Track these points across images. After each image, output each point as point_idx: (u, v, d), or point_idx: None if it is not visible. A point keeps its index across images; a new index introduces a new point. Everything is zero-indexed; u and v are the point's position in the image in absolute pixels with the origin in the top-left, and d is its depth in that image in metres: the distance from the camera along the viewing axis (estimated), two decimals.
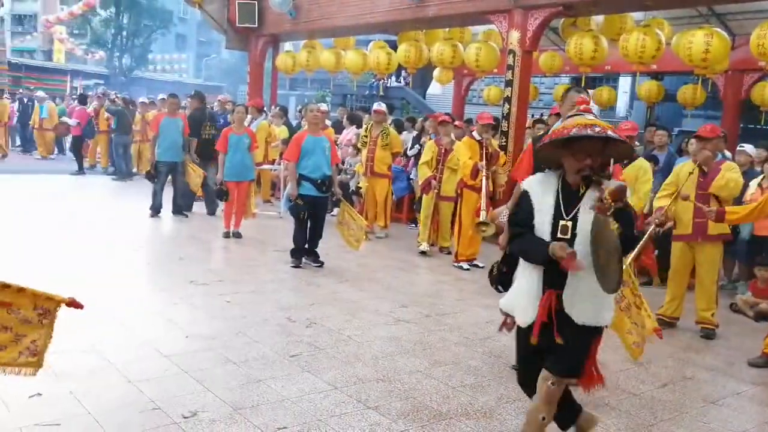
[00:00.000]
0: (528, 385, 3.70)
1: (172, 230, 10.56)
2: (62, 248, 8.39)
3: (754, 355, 5.99)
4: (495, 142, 9.30)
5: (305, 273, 8.01)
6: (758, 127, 17.85)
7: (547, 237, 3.40)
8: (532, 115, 13.94)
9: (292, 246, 8.37)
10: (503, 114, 10.80)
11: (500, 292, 4.41)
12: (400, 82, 29.03)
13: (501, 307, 3.71)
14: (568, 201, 3.43)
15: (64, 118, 18.39)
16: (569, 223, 3.39)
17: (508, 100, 10.73)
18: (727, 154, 8.65)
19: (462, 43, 13.38)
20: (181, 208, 11.45)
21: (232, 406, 4.28)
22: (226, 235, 9.76)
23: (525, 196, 3.53)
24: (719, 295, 7.00)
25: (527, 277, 3.52)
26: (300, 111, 18.02)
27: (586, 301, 3.41)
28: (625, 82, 27.53)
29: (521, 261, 3.59)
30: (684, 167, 6.74)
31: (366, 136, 10.56)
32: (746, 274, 8.59)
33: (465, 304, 7.09)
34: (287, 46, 17.57)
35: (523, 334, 3.58)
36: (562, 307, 3.42)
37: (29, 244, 8.42)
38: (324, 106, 14.46)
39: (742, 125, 15.11)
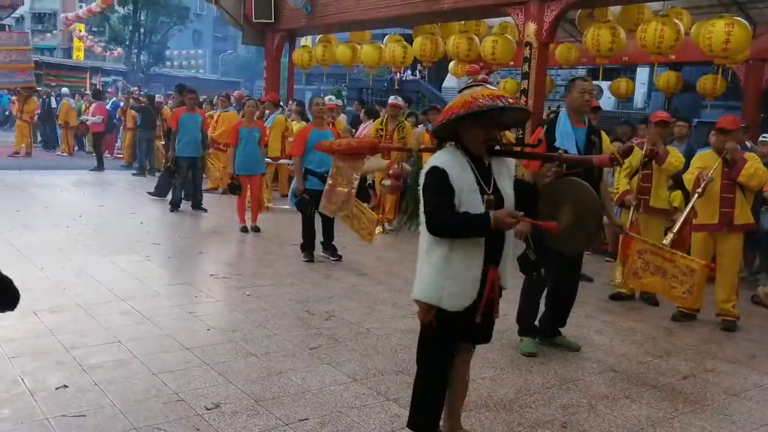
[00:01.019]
0: (446, 365, 3.63)
1: (192, 225, 10.62)
2: (82, 243, 8.47)
3: None
4: (510, 135, 9.31)
5: (323, 266, 8.04)
6: None
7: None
8: (549, 107, 13.89)
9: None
10: None
11: (536, 277, 4.44)
12: (415, 75, 29.02)
13: (422, 299, 3.42)
14: (482, 174, 3.42)
15: (83, 117, 18.56)
16: (492, 197, 3.40)
17: (524, 92, 10.69)
18: (748, 144, 8.58)
19: (478, 36, 13.34)
20: (200, 202, 11.52)
21: (253, 398, 4.31)
22: (244, 230, 9.81)
23: (444, 175, 3.31)
24: (740, 287, 6.95)
25: (464, 259, 3.35)
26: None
27: (508, 270, 3.58)
28: (642, 73, 27.32)
29: (445, 245, 3.35)
30: (707, 155, 6.71)
31: (381, 130, 10.51)
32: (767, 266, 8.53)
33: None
34: (303, 40, 17.61)
35: (449, 318, 3.42)
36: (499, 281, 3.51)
37: (50, 239, 8.52)
38: (335, 100, 14.43)
39: (763, 115, 14.96)
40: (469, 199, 3.33)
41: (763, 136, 8.72)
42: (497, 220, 3.20)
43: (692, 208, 6.58)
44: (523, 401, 4.56)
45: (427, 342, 3.59)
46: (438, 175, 3.32)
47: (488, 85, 3.41)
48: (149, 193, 12.67)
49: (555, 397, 4.66)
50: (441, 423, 3.77)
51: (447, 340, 3.55)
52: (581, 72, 18.62)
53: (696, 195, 6.41)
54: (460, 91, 3.45)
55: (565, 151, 5.25)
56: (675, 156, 7.05)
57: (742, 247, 6.77)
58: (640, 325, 6.50)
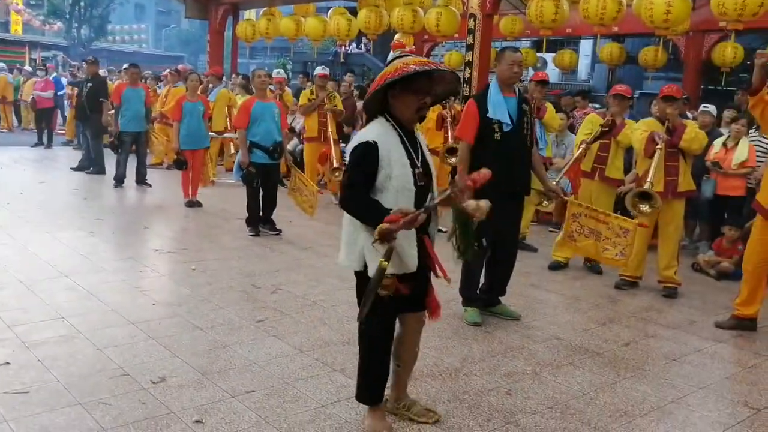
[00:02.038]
0: (390, 335, 3.64)
1: (136, 200, 10.44)
2: (23, 219, 8.26)
3: (716, 314, 6.11)
4: (458, 106, 9.35)
5: (269, 240, 7.98)
6: (719, 88, 18.10)
7: (411, 187, 3.37)
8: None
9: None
10: (464, 79, 10.78)
11: (477, 248, 4.46)
12: (360, 48, 28.87)
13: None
14: (412, 146, 3.45)
15: (35, 92, 17.94)
16: (422, 170, 3.43)
17: (469, 64, 10.72)
18: (689, 115, 8.75)
19: (422, 8, 13.28)
20: (144, 177, 11.33)
21: (200, 371, 4.27)
22: (189, 204, 9.68)
23: (374, 149, 3.31)
24: (681, 255, 7.12)
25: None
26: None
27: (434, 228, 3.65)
28: (586, 45, 27.64)
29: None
30: (650, 123, 6.80)
31: (311, 101, 10.37)
32: (708, 234, 8.74)
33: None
34: (247, 14, 17.34)
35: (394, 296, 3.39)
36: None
37: None
38: (282, 74, 14.29)
39: (703, 86, 15.29)
40: (400, 172, 3.34)
41: (704, 106, 8.90)
42: (382, 230, 3.12)
43: (580, 156, 7.05)
44: (468, 369, 4.61)
45: (374, 315, 3.51)
46: (367, 150, 3.32)
47: (413, 56, 3.43)
48: (72, 168, 12.62)
49: (500, 365, 4.72)
50: (386, 392, 3.78)
51: (389, 309, 3.51)
52: (525, 44, 18.71)
53: (657, 151, 6.46)
54: (389, 62, 3.45)
55: (499, 122, 5.28)
56: (631, 129, 7.14)
57: (683, 215, 6.91)
58: (584, 294, 6.61)
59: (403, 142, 3.40)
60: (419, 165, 3.44)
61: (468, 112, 5.50)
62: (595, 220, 5.38)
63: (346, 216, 3.47)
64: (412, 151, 3.43)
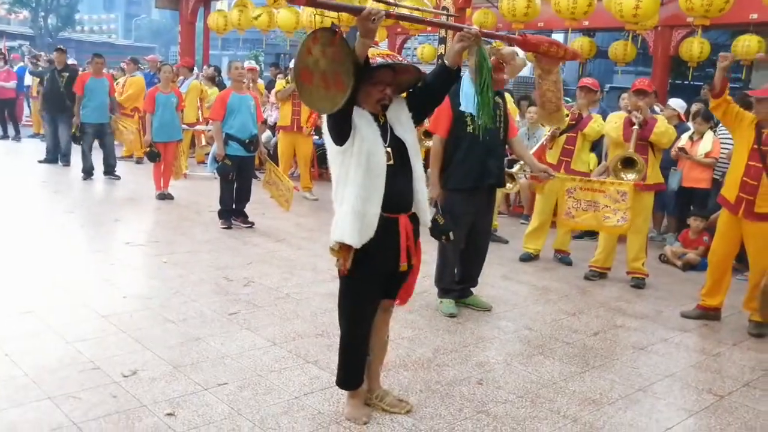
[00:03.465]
0: (369, 320, 3.72)
1: (106, 192, 10.35)
2: None
3: (682, 304, 6.22)
4: None
5: (241, 233, 7.97)
6: (686, 83, 18.34)
7: (383, 161, 3.40)
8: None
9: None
10: None
11: (446, 241, 4.51)
12: None
13: (337, 239, 3.43)
14: (382, 128, 3.47)
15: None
16: (390, 149, 3.47)
17: (441, 57, 10.74)
18: (657, 109, 8.87)
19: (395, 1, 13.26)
20: (113, 169, 11.22)
21: (171, 364, 4.26)
22: (160, 197, 9.61)
23: (349, 105, 3.33)
24: (649, 247, 7.23)
25: (365, 197, 3.38)
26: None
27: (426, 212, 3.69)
28: (558, 39, 27.79)
29: (351, 188, 3.40)
30: (621, 116, 6.88)
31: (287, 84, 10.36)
32: (675, 226, 8.88)
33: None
34: (218, 4, 17.18)
35: (369, 268, 3.50)
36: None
37: None
38: (253, 64, 14.22)
39: (670, 81, 15.45)
40: (371, 138, 3.39)
41: (671, 100, 9.03)
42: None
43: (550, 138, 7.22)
44: (440, 360, 4.65)
45: (347, 298, 3.63)
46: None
47: (379, 47, 3.47)
48: (39, 161, 12.45)
49: (471, 355, 4.77)
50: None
51: (368, 294, 3.60)
52: None
53: (634, 131, 6.53)
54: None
55: (471, 115, 5.30)
56: (598, 122, 7.24)
57: (652, 207, 7.01)
58: (555, 285, 6.69)
59: (375, 121, 3.45)
60: (386, 145, 3.46)
61: (440, 106, 5.51)
62: (591, 191, 5.46)
63: (336, 198, 3.50)
64: (381, 131, 3.46)
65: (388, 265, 3.53)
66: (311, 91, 3.23)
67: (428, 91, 3.66)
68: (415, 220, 3.64)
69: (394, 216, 3.48)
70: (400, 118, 3.57)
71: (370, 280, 3.55)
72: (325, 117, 3.41)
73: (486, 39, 3.71)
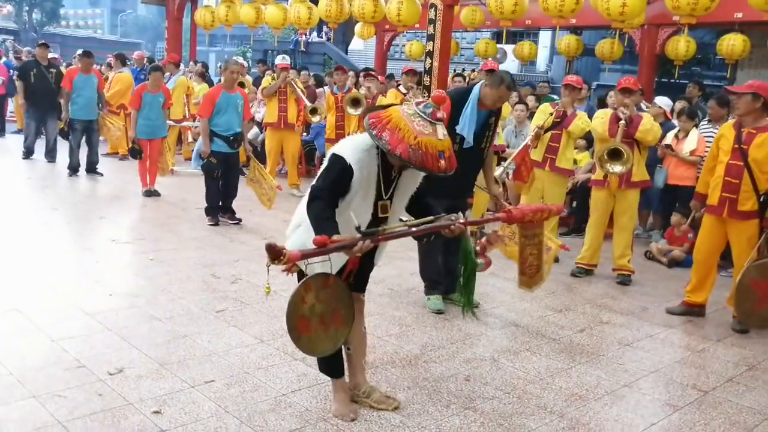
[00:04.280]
0: None
1: (92, 189, 10.29)
2: None
3: (667, 300, 6.27)
4: (419, 95, 9.40)
5: (228, 230, 7.95)
6: (672, 81, 18.42)
7: (367, 216, 3.37)
8: (454, 70, 14.02)
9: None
10: (425, 69, 10.83)
11: (425, 242, 4.51)
12: (321, 37, 28.75)
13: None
14: (386, 180, 3.44)
15: None
16: (388, 202, 3.47)
17: (430, 54, 10.76)
18: (643, 106, 8.91)
19: None
20: (95, 166, 11.15)
21: (158, 362, 4.25)
22: (147, 194, 9.57)
23: (348, 171, 3.28)
24: (634, 243, 7.27)
25: (345, 230, 3.26)
26: (221, 68, 17.68)
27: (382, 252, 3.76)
28: (545, 37, 27.87)
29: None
30: (607, 113, 6.91)
31: (273, 79, 10.36)
32: (660, 223, 8.94)
33: (388, 257, 7.14)
34: (206, 0, 17.14)
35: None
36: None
37: None
38: (241, 60, 14.19)
39: (656, 79, 15.52)
40: (364, 202, 3.37)
41: (657, 98, 9.08)
42: (316, 242, 3.06)
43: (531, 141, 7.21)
44: (428, 357, 4.66)
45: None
46: (344, 168, 3.27)
47: (440, 128, 3.22)
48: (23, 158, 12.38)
49: (459, 352, 4.78)
50: (346, 379, 3.83)
51: None
52: (485, 35, 18.80)
53: (620, 126, 6.55)
54: (415, 115, 3.22)
55: (462, 138, 5.30)
56: (582, 120, 7.25)
57: (638, 204, 7.06)
58: None
59: (378, 174, 3.39)
60: (386, 198, 3.46)
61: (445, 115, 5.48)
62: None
63: (299, 206, 3.51)
64: (384, 184, 3.43)
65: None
66: (310, 338, 3.19)
67: (420, 207, 3.62)
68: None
69: None
70: (408, 187, 3.53)
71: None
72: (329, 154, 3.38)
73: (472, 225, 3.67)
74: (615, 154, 6.48)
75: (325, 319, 3.21)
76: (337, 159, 3.31)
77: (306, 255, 3.02)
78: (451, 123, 5.26)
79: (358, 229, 3.17)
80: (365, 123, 3.26)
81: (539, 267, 4.21)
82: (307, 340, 3.19)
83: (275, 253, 2.92)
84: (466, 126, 5.32)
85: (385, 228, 3.31)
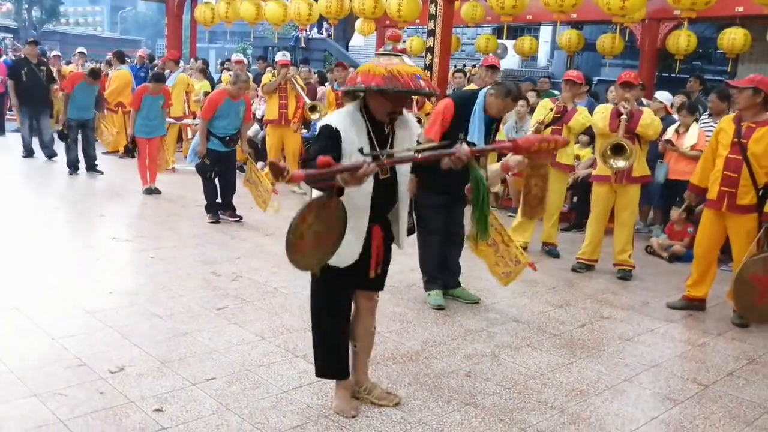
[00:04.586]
0: (341, 313, 3.72)
1: (92, 188, 10.30)
2: None
3: (668, 295, 6.27)
4: (430, 105, 9.42)
5: (228, 228, 7.95)
6: (673, 75, 18.39)
7: (370, 182, 3.37)
8: (455, 66, 14.01)
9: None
10: (426, 64, 10.81)
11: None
12: (322, 33, 28.69)
13: None
14: (379, 140, 3.46)
15: None
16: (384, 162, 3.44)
17: (430, 50, 10.74)
18: (644, 101, 8.90)
19: None
20: (94, 162, 11.14)
21: (159, 360, 4.26)
22: (147, 192, 9.58)
23: (335, 134, 3.35)
24: (635, 238, 7.27)
25: (353, 204, 3.34)
26: (222, 64, 17.66)
27: (402, 232, 3.71)
28: (546, 32, 27.83)
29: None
30: (608, 108, 6.91)
31: (273, 76, 10.34)
32: (661, 218, 8.93)
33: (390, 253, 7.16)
34: None
35: (337, 273, 3.49)
36: (389, 237, 3.67)
37: None
38: (241, 56, 14.20)
39: (657, 73, 15.49)
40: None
41: (658, 93, 9.07)
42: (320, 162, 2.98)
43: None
44: (428, 353, 4.67)
45: (318, 293, 3.67)
46: (330, 132, 3.35)
47: (406, 58, 3.38)
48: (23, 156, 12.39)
49: (460, 348, 4.79)
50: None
51: (338, 290, 3.63)
52: (486, 30, 18.74)
53: (622, 120, 6.54)
54: (378, 56, 3.42)
55: (473, 145, 5.29)
56: (582, 115, 7.24)
57: (638, 200, 7.05)
58: (542, 277, 6.71)
59: (369, 134, 3.41)
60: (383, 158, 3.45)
61: (444, 116, 5.46)
62: (501, 236, 5.47)
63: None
64: (377, 142, 3.44)
65: (357, 270, 3.53)
66: (303, 255, 3.17)
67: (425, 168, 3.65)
68: (386, 226, 3.66)
69: (369, 226, 3.50)
70: (404, 143, 3.54)
71: (340, 280, 3.55)
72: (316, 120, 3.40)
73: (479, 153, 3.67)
74: (618, 149, 6.47)
75: (320, 236, 3.17)
76: (323, 127, 3.41)
77: (310, 175, 3.00)
78: (454, 126, 5.26)
79: (360, 150, 3.18)
80: (348, 85, 3.40)
81: (542, 199, 4.30)
82: (300, 257, 3.16)
83: (278, 170, 2.90)
84: (476, 133, 5.34)
85: (391, 152, 3.30)
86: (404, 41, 17.34)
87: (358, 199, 3.37)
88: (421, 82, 3.29)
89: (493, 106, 5.33)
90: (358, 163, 2.99)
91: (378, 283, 3.75)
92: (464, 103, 5.42)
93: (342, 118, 3.41)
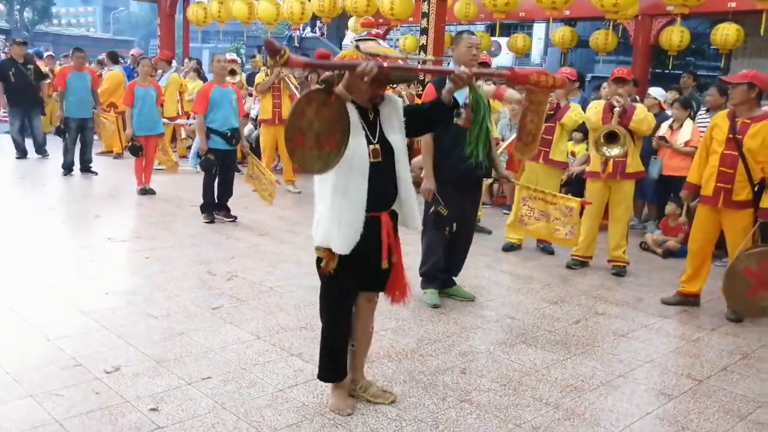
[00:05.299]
0: (348, 314, 3.74)
1: (87, 188, 10.29)
2: None
3: (662, 291, 6.29)
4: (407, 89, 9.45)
5: (224, 227, 7.95)
6: (666, 71, 18.44)
7: (366, 160, 3.40)
8: (448, 63, 14.01)
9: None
10: (419, 62, 10.82)
11: (449, 233, 4.49)
12: (315, 32, 28.70)
13: (319, 244, 3.48)
14: (370, 125, 3.48)
15: None
16: (378, 146, 3.48)
17: (423, 48, 10.75)
18: (637, 98, 8.92)
19: None
20: (89, 164, 11.14)
21: (155, 360, 4.26)
22: (142, 192, 9.57)
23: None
24: (630, 234, 7.29)
25: (347, 202, 3.38)
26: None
27: (414, 213, 3.69)
28: (539, 29, 27.86)
29: (330, 188, 3.40)
30: (600, 104, 6.92)
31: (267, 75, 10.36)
32: (655, 214, 8.96)
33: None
34: None
35: (349, 265, 3.50)
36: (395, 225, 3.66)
37: None
38: (235, 56, 14.19)
39: (651, 70, 15.53)
40: (359, 145, 3.37)
41: (651, 89, 9.10)
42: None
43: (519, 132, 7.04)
44: (424, 350, 4.68)
45: (329, 293, 3.65)
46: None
47: (381, 41, 3.41)
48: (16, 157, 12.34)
49: (455, 345, 4.80)
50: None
51: (347, 289, 3.64)
52: (479, 28, 18.80)
53: (615, 113, 6.57)
54: (355, 44, 3.43)
55: (457, 107, 5.29)
56: (575, 112, 7.26)
57: (633, 195, 7.07)
58: (537, 274, 6.73)
59: (360, 120, 3.42)
60: (375, 142, 3.47)
61: (427, 97, 5.49)
62: (543, 201, 5.54)
63: (317, 193, 3.53)
64: (368, 128, 3.46)
65: (369, 262, 3.55)
66: (304, 153, 3.18)
67: (425, 119, 3.72)
68: (394, 216, 3.66)
69: (376, 215, 3.50)
70: (392, 119, 3.56)
71: (351, 277, 3.57)
72: None
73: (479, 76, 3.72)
74: (611, 137, 6.48)
75: (321, 138, 3.17)
76: None
77: (309, 64, 3.02)
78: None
79: (357, 47, 3.22)
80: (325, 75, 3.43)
81: (536, 136, 4.33)
82: (301, 155, 3.17)
83: (274, 49, 2.89)
84: (460, 94, 5.32)
85: (386, 54, 3.34)
86: (395, 41, 17.34)
87: (355, 180, 3.37)
88: (397, 52, 3.33)
89: (458, 60, 5.26)
90: (356, 61, 3.04)
91: (382, 283, 3.75)
92: (440, 82, 5.43)
93: None
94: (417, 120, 3.68)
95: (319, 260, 3.57)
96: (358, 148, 3.37)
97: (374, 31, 3.53)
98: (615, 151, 6.46)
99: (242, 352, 4.47)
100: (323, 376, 3.78)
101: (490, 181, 7.27)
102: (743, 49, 13.90)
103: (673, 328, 5.48)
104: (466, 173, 5.34)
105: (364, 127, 3.43)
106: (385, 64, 3.20)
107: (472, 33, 5.65)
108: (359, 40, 3.44)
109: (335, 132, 3.20)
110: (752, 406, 4.14)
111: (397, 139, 3.56)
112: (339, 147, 3.21)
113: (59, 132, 11.16)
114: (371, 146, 3.45)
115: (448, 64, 12.98)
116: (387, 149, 3.51)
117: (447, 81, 3.57)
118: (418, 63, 3.42)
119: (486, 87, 5.37)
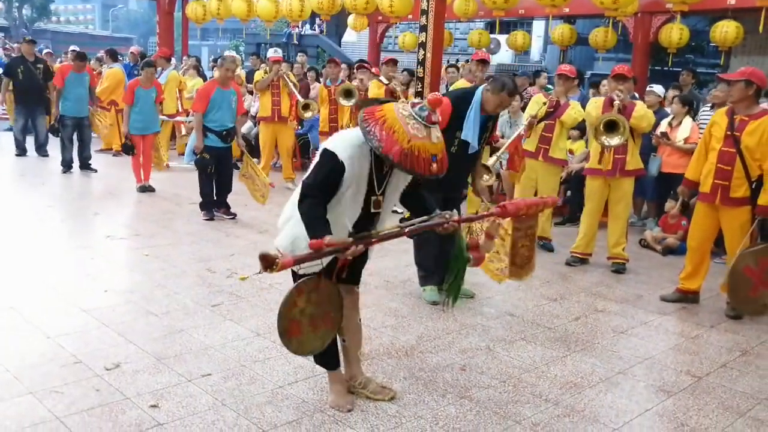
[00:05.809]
0: None
1: (86, 186, 10.28)
2: None
3: (662, 288, 6.30)
4: (399, 85, 9.43)
5: (223, 225, 7.95)
6: (666, 69, 18.43)
7: (358, 211, 3.40)
8: (448, 61, 14.02)
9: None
10: (418, 60, 10.80)
11: None
12: (314, 30, 28.71)
13: (280, 248, 3.32)
14: (378, 175, 3.45)
15: None
16: (381, 197, 3.51)
17: (423, 45, 10.70)
18: (636, 95, 8.92)
19: None
20: (88, 161, 11.13)
21: (155, 357, 4.27)
22: (142, 189, 9.56)
23: (339, 168, 3.27)
24: (629, 232, 7.30)
25: (336, 223, 3.33)
26: (214, 61, 17.63)
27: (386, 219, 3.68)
28: (539, 26, 27.86)
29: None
30: (600, 101, 6.92)
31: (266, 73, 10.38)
32: (654, 211, 8.96)
33: (384, 250, 7.14)
34: None
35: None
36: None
37: None
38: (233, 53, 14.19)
39: (650, 67, 15.51)
40: (356, 196, 3.39)
41: (650, 87, 9.09)
42: (312, 246, 3.09)
43: (521, 133, 7.26)
44: (423, 347, 4.68)
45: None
46: (336, 165, 3.27)
47: (434, 130, 3.21)
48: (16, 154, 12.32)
49: (454, 342, 4.81)
50: (342, 370, 3.86)
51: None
52: (479, 25, 18.78)
53: (615, 107, 6.55)
54: (412, 113, 3.21)
55: (461, 140, 5.26)
56: (575, 109, 7.24)
57: (632, 193, 7.07)
58: (537, 271, 6.58)
59: (370, 170, 3.40)
60: (379, 193, 3.49)
61: (444, 114, 5.40)
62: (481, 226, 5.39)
63: (291, 199, 3.56)
64: (377, 179, 3.45)
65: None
66: (300, 340, 3.21)
67: (414, 200, 3.67)
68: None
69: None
70: (399, 182, 3.55)
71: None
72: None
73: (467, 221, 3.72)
74: (611, 127, 6.47)
75: (315, 320, 3.24)
76: (328, 155, 3.31)
77: (299, 260, 3.05)
78: (451, 125, 5.20)
79: (350, 234, 3.22)
80: (359, 119, 3.26)
81: (530, 257, 4.24)
82: (297, 342, 3.23)
83: (269, 262, 2.94)
84: (471, 132, 5.26)
85: (378, 231, 3.36)
86: (394, 38, 17.32)
87: (341, 223, 3.38)
88: (434, 166, 3.17)
89: (490, 103, 5.22)
90: (346, 244, 3.10)
91: (354, 279, 3.79)
92: (460, 102, 5.33)
93: (350, 152, 3.30)
94: (413, 200, 3.67)
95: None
96: (354, 205, 3.40)
97: (435, 116, 3.21)
98: (615, 140, 6.46)
99: (242, 349, 4.47)
100: (317, 359, 3.81)
101: (490, 181, 7.24)
102: (742, 46, 13.89)
103: (673, 325, 5.49)
104: (444, 195, 5.19)
105: (371, 182, 3.42)
106: (374, 240, 3.26)
107: (516, 92, 5.62)
108: (416, 116, 3.19)
109: (329, 311, 3.27)
110: (751, 402, 4.15)
111: (394, 199, 3.61)
112: (335, 324, 3.30)
113: (53, 130, 11.15)
114: (374, 198, 3.47)
115: (448, 62, 12.97)
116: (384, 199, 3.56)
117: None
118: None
119: (481, 183, 5.52)
